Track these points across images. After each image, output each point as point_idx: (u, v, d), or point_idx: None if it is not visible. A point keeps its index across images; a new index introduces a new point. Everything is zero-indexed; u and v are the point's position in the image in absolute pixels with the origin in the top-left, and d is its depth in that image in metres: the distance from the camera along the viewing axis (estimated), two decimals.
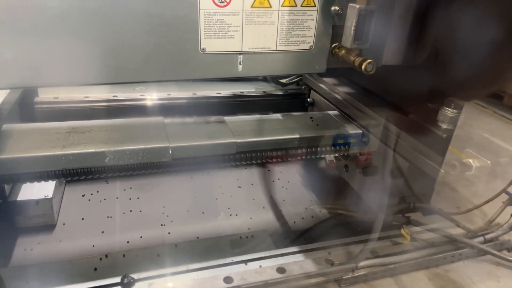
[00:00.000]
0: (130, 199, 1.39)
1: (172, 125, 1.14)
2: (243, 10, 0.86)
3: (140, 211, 1.34)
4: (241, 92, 1.56)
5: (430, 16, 1.03)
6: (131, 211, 1.33)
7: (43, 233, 1.22)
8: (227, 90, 1.58)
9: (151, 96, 1.47)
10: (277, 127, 1.22)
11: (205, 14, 0.84)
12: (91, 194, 1.39)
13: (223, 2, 0.84)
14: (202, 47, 0.86)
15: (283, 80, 1.65)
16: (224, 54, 0.89)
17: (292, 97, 1.64)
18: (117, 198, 1.38)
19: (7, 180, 1.01)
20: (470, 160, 1.01)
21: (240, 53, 0.90)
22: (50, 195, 1.19)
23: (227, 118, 1.20)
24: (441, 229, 1.41)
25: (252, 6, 0.86)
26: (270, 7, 0.87)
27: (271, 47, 0.92)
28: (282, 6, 0.88)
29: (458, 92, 1.03)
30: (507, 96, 3.27)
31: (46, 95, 1.38)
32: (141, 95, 1.46)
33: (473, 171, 0.99)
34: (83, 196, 1.39)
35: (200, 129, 1.15)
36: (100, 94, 1.42)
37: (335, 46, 0.98)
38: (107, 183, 1.44)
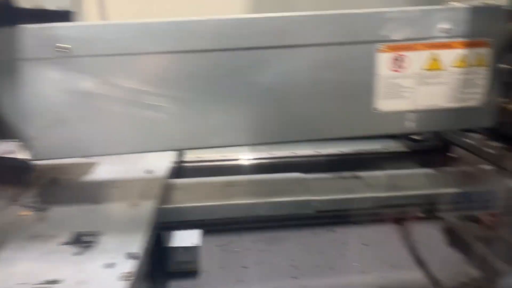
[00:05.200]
0: (261, 251, 1.45)
1: (311, 180, 1.22)
2: (416, 73, 0.95)
3: (270, 264, 1.39)
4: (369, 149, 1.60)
5: None
6: (263, 262, 1.40)
7: (188, 278, 1.33)
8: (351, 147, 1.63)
9: (302, 154, 1.58)
10: (416, 183, 1.22)
11: (380, 79, 0.95)
12: (224, 244, 1.49)
13: (398, 67, 0.93)
14: (375, 106, 0.96)
15: (416, 137, 1.65)
16: (396, 113, 0.97)
17: (427, 153, 1.61)
18: (249, 249, 1.46)
19: (172, 228, 1.15)
20: None
21: (412, 112, 0.98)
22: (200, 243, 1.32)
23: (363, 173, 1.25)
24: None
25: (424, 69, 0.95)
26: (441, 69, 0.95)
27: (442, 104, 0.98)
28: (452, 67, 0.95)
29: None
30: None
31: (190, 155, 1.57)
32: (292, 152, 1.58)
33: None
34: (216, 246, 1.50)
35: (338, 184, 1.21)
36: (233, 153, 1.57)
37: (504, 101, 1.01)
38: (240, 236, 1.54)
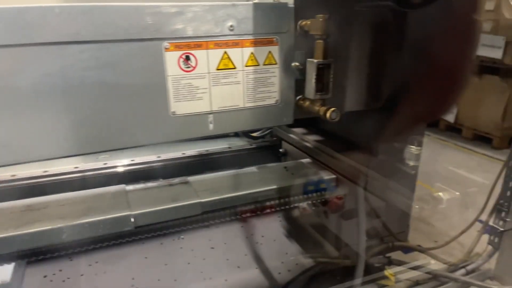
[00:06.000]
0: (96, 274, 1.30)
1: (134, 192, 1.12)
2: (209, 73, 0.89)
3: (108, 287, 1.26)
4: (206, 151, 1.56)
5: (383, 64, 1.10)
6: None
7: None
8: (197, 149, 1.58)
9: (114, 164, 1.44)
10: (251, 181, 1.21)
11: (172, 80, 0.86)
12: (53, 274, 1.30)
13: (189, 67, 0.87)
14: (172, 110, 0.88)
15: (254, 134, 1.68)
16: (194, 115, 0.91)
17: (265, 149, 1.66)
18: (82, 275, 1.30)
19: None
20: (440, 194, 1.03)
21: (210, 113, 0.92)
22: (8, 280, 1.11)
23: (192, 178, 1.19)
24: (423, 265, 1.40)
25: (217, 69, 0.90)
26: (235, 68, 0.91)
27: (239, 104, 0.95)
28: (245, 66, 0.92)
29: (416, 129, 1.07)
30: (465, 129, 3.44)
31: (2, 173, 1.33)
32: (104, 164, 1.44)
33: (444, 204, 1.01)
34: (44, 277, 1.30)
35: (164, 192, 1.12)
36: (60, 166, 1.38)
37: (300, 98, 1.03)
38: (71, 260, 1.35)
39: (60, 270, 1.31)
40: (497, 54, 3.07)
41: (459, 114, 3.44)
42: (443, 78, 0.90)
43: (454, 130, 3.56)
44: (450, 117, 3.52)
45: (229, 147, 1.60)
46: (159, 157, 1.51)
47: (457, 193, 1.07)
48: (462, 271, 1.45)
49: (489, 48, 3.10)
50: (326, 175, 1.27)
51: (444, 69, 0.90)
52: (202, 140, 1.70)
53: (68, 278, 1.29)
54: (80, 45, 0.76)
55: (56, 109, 0.78)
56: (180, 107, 0.88)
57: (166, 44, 0.83)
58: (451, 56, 0.89)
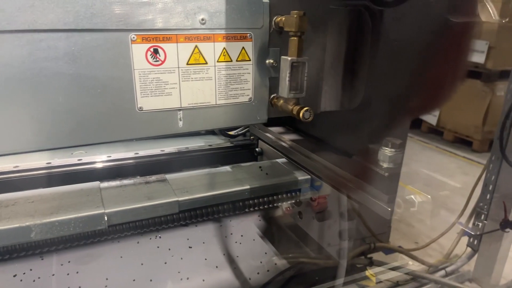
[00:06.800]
0: (68, 274, 1.25)
1: (109, 189, 1.08)
2: (178, 67, 0.85)
3: (80, 287, 1.21)
4: (186, 148, 1.53)
5: (358, 64, 1.09)
6: None
7: None
8: (173, 146, 1.55)
9: (90, 160, 1.39)
10: (225, 180, 1.19)
11: (140, 74, 0.82)
12: (24, 273, 1.25)
13: (157, 61, 0.83)
14: (139, 106, 0.84)
15: (231, 132, 1.65)
16: (163, 111, 0.87)
17: (241, 148, 1.64)
18: (53, 275, 1.25)
19: None
20: (413, 196, 1.02)
21: (180, 109, 0.89)
22: None
23: (169, 176, 1.16)
24: (403, 266, 1.40)
25: (187, 63, 0.86)
26: (206, 63, 0.88)
27: (210, 101, 0.91)
28: (217, 62, 0.89)
29: (392, 131, 1.06)
30: (446, 131, 3.49)
31: None
32: (79, 160, 1.39)
33: (416, 207, 1.01)
34: (14, 276, 1.24)
35: (140, 190, 1.09)
36: (32, 162, 1.33)
37: (274, 96, 1.00)
38: (42, 259, 1.30)
39: (31, 270, 1.26)
40: (479, 58, 3.11)
41: (441, 117, 3.48)
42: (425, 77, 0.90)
43: (436, 133, 3.60)
44: (432, 120, 3.56)
45: (210, 145, 1.57)
46: (136, 153, 1.47)
47: (429, 196, 1.06)
48: (442, 272, 1.46)
49: (471, 52, 3.14)
50: (301, 176, 1.25)
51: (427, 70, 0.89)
52: (176, 138, 1.67)
53: (39, 277, 1.24)
54: (38, 33, 0.71)
55: (14, 101, 0.73)
56: (147, 102, 0.85)
57: (132, 35, 0.79)
58: (434, 58, 0.88)
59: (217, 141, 1.62)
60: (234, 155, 1.62)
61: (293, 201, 1.29)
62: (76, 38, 0.74)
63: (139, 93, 0.83)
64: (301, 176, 1.26)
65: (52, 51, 0.73)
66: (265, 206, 1.21)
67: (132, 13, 0.77)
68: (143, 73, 0.82)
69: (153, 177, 1.15)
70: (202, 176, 1.20)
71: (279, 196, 1.21)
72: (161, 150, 1.50)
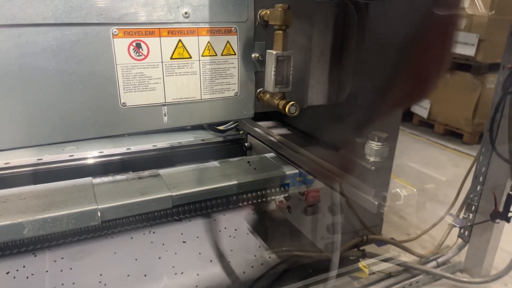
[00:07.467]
0: (61, 271, 1.25)
1: (102, 185, 1.07)
2: (162, 62, 0.85)
3: (74, 283, 1.21)
4: (179, 143, 1.52)
5: (345, 58, 1.09)
6: (62, 284, 1.20)
7: None
8: (164, 141, 1.54)
9: (82, 156, 1.38)
10: (214, 175, 1.19)
11: (122, 69, 0.81)
12: (17, 270, 1.24)
13: (140, 55, 0.82)
14: (122, 101, 0.83)
15: (221, 127, 1.64)
16: (147, 107, 0.86)
17: (231, 143, 1.64)
18: (47, 271, 1.24)
19: None
20: (398, 190, 1.02)
21: (164, 105, 0.88)
22: None
23: (162, 171, 1.15)
24: (395, 258, 1.42)
25: (171, 58, 0.85)
26: (190, 57, 0.87)
27: (195, 96, 0.91)
28: (202, 56, 0.88)
29: (380, 124, 1.07)
30: (437, 124, 3.52)
31: None
32: (70, 156, 1.38)
33: (402, 200, 1.01)
34: (7, 273, 1.23)
35: (133, 186, 1.08)
36: (23, 158, 1.31)
37: (260, 91, 1.00)
38: (35, 256, 1.29)
39: (24, 266, 1.25)
40: (470, 51, 3.13)
41: (432, 109, 3.51)
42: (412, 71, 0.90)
43: (427, 125, 3.63)
44: (423, 113, 3.58)
45: (203, 140, 1.57)
46: (129, 149, 1.46)
47: (414, 189, 1.07)
48: (433, 263, 1.49)
49: (462, 45, 3.16)
50: (289, 170, 1.25)
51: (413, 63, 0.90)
52: (166, 133, 1.66)
53: (32, 274, 1.23)
54: (16, 28, 0.70)
55: None
56: (131, 98, 0.83)
57: (114, 30, 0.77)
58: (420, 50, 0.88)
59: (208, 136, 1.62)
60: (224, 150, 1.62)
61: (283, 196, 1.29)
62: (55, 32, 0.73)
63: (122, 89, 0.82)
64: (289, 170, 1.26)
65: (31, 46, 0.72)
66: (254, 201, 1.21)
67: (113, 6, 0.76)
68: (126, 68, 0.81)
69: (146, 172, 1.14)
70: (193, 171, 1.20)
71: (267, 191, 1.21)
72: (153, 146, 1.49)
